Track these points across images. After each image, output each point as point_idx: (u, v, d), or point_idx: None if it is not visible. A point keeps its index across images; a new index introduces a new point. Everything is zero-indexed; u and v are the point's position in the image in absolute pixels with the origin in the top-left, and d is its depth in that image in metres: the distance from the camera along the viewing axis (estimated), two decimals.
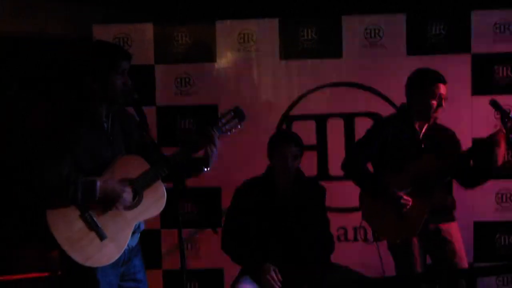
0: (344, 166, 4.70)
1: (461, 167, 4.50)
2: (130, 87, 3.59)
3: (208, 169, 3.83)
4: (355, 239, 5.75)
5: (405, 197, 4.42)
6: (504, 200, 5.67)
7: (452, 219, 4.62)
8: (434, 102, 4.45)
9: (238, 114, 3.81)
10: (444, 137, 4.62)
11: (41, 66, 5.61)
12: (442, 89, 4.46)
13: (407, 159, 4.50)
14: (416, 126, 4.58)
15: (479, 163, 4.46)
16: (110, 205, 3.51)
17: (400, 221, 4.46)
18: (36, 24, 5.67)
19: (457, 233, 4.60)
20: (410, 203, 4.42)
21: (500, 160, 4.31)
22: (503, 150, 4.30)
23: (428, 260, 4.65)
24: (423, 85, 4.50)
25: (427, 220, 4.47)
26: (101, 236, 3.50)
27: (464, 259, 4.56)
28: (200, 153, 3.78)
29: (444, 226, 4.56)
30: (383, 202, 4.50)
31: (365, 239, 5.66)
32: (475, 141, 5.28)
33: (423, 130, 4.58)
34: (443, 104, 4.47)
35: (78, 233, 3.47)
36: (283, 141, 4.50)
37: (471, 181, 4.63)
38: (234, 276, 4.58)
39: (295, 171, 4.54)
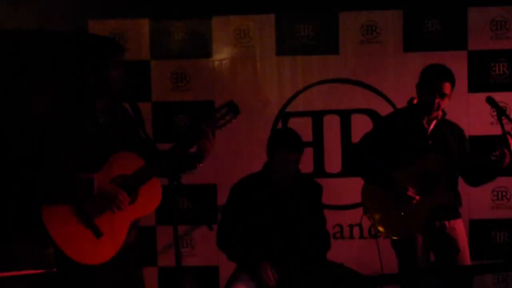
0: (350, 159, 4.67)
1: (466, 166, 4.49)
2: (125, 79, 3.59)
3: (201, 165, 3.81)
4: (351, 237, 5.74)
5: (411, 189, 4.40)
6: (500, 197, 5.67)
7: (457, 216, 4.60)
8: (437, 99, 4.41)
9: (232, 109, 3.77)
10: (452, 134, 4.59)
11: (38, 61, 5.57)
12: (446, 87, 4.41)
13: (414, 155, 4.46)
14: (424, 122, 4.53)
15: (484, 163, 4.42)
16: (107, 203, 3.50)
17: (402, 217, 4.44)
18: (33, 19, 5.63)
19: (462, 231, 4.59)
20: (417, 198, 4.41)
21: (506, 161, 4.29)
22: (509, 151, 4.27)
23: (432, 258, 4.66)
24: (428, 81, 4.46)
25: (432, 217, 4.45)
26: (97, 234, 3.49)
27: (467, 257, 4.56)
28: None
29: (449, 223, 4.54)
30: (387, 197, 4.48)
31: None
32: (482, 141, 5.26)
33: (431, 126, 4.54)
34: (443, 102, 4.43)
35: (74, 230, 3.46)
36: (287, 147, 4.42)
37: (476, 180, 4.63)
38: (229, 274, 4.57)
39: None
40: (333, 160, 5.73)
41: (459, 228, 4.58)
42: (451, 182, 4.55)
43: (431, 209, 4.43)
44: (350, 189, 5.68)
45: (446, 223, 4.53)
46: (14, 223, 5.29)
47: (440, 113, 4.52)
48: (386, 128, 4.60)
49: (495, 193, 5.65)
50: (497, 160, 4.30)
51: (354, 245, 5.72)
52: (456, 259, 4.52)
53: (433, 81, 4.42)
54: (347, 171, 4.72)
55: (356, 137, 5.66)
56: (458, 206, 4.62)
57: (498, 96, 4.57)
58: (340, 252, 5.26)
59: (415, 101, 4.60)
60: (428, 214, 4.44)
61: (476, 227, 5.66)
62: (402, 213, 4.43)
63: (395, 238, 4.58)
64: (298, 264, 4.42)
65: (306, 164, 5.54)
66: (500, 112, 4.31)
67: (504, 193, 5.65)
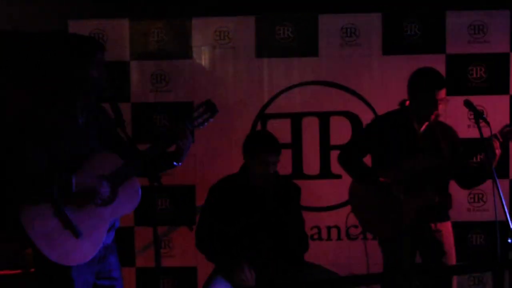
0: (340, 158, 4.70)
1: (458, 167, 4.52)
2: (106, 78, 3.59)
3: (180, 164, 3.81)
4: (329, 239, 5.76)
5: (396, 187, 4.43)
6: (476, 200, 5.71)
7: (444, 218, 4.62)
8: (434, 107, 4.42)
9: (210, 108, 3.79)
10: (445, 136, 4.62)
11: (18, 61, 5.54)
12: (442, 94, 4.45)
13: (403, 156, 4.48)
14: (415, 123, 4.55)
15: (475, 164, 4.48)
16: (87, 200, 3.48)
17: (387, 216, 4.47)
18: (11, 19, 5.60)
19: (449, 233, 4.61)
20: (402, 191, 4.43)
21: (495, 162, 4.31)
22: (498, 151, 4.31)
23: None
24: (425, 89, 4.46)
25: (418, 218, 4.46)
26: (76, 234, 3.47)
27: (452, 260, 4.58)
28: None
29: (435, 225, 4.56)
30: (373, 195, 4.51)
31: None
32: (472, 143, 5.27)
33: (423, 128, 4.56)
34: (440, 107, 4.45)
35: (53, 231, 3.44)
36: (266, 149, 4.43)
37: (467, 182, 4.69)
38: (207, 275, 4.57)
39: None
40: (312, 162, 5.75)
41: (446, 231, 4.60)
42: (440, 184, 4.55)
43: (417, 209, 4.45)
44: (328, 191, 5.72)
45: (432, 225, 4.56)
46: None
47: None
48: (378, 128, 4.63)
49: (472, 196, 5.69)
50: (484, 162, 4.36)
51: (331, 247, 5.74)
52: (440, 261, 4.54)
53: (431, 91, 4.43)
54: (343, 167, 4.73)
55: (335, 139, 5.70)
56: (446, 208, 4.64)
57: (476, 100, 4.59)
58: (318, 253, 5.27)
59: (407, 103, 4.61)
60: (413, 215, 4.45)
61: (453, 229, 5.69)
62: (390, 212, 4.45)
63: (380, 237, 4.61)
64: (276, 265, 4.43)
65: (285, 166, 5.55)
66: (478, 115, 4.33)
67: (480, 196, 5.68)
